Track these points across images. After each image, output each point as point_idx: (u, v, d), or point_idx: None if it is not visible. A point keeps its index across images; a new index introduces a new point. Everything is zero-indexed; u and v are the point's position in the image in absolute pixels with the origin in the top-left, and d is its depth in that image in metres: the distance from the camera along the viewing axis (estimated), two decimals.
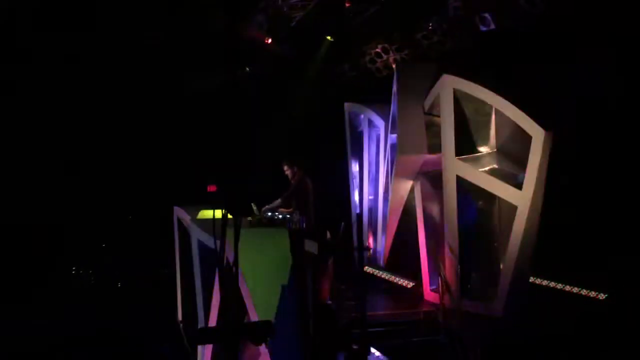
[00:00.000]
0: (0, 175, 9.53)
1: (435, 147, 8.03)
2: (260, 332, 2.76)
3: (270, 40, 10.12)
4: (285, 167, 8.13)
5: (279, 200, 7.78)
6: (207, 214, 5.96)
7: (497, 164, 7.34)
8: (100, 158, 10.43)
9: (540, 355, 5.74)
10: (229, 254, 3.99)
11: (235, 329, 2.76)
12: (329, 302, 5.92)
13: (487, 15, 7.74)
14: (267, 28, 9.85)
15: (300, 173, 7.94)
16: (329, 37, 10.16)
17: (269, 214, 6.99)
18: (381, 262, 9.47)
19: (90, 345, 6.85)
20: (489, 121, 7.40)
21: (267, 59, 10.82)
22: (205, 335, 3.16)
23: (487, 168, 7.33)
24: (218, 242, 2.94)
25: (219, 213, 3.03)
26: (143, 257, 9.84)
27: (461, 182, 7.37)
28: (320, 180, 8.51)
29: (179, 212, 7.09)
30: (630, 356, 5.48)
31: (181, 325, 6.71)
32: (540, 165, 6.58)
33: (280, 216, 7.05)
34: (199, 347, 5.72)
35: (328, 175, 10.15)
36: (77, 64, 9.60)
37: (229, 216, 3.09)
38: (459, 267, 7.34)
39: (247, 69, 11.23)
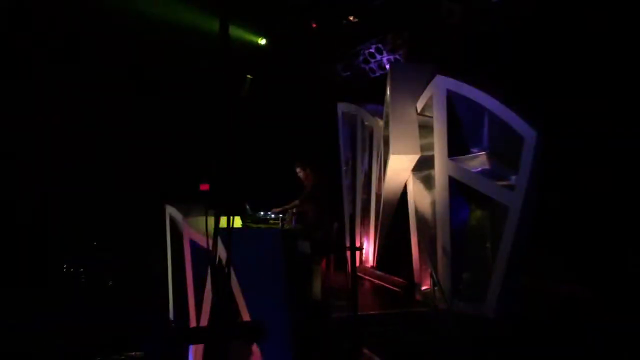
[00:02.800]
0: None
1: (427, 147, 8.05)
2: (253, 331, 2.75)
3: (264, 42, 10.19)
4: (299, 169, 8.17)
5: (296, 201, 7.82)
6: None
7: (489, 165, 7.37)
8: (92, 155, 10.40)
9: (532, 354, 5.76)
10: (222, 254, 3.97)
11: (227, 329, 2.76)
12: (321, 302, 5.93)
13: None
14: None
15: (315, 174, 7.97)
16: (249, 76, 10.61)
17: (273, 215, 7.01)
18: (373, 262, 9.49)
19: (81, 343, 6.81)
20: (481, 122, 7.41)
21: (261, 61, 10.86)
22: (197, 335, 3.16)
23: (479, 169, 7.35)
24: (210, 241, 2.92)
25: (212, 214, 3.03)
26: (134, 256, 9.81)
27: (453, 183, 7.40)
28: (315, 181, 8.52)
29: (171, 210, 7.07)
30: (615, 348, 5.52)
31: (172, 324, 6.69)
32: (532, 166, 6.60)
33: (273, 216, 7.06)
34: (191, 347, 5.70)
35: (321, 176, 10.16)
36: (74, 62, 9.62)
37: (222, 216, 3.08)
38: (450, 267, 7.37)
39: (249, 76, 11.22)
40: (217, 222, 2.82)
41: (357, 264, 8.87)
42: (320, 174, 8.11)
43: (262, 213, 7.22)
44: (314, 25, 9.62)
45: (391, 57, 9.70)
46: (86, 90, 10.12)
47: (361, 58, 10.18)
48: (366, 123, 9.77)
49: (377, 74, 10.10)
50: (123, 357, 6.34)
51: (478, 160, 7.45)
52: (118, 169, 10.64)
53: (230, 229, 3.01)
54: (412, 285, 8.16)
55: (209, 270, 5.11)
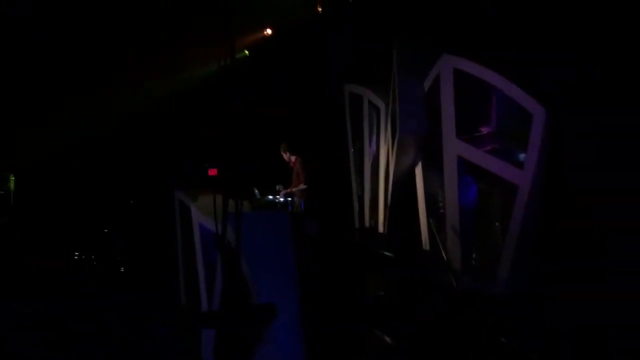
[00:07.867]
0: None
1: (435, 127, 8.00)
2: (264, 314, 2.77)
3: (270, 32, 10.24)
4: (283, 152, 8.26)
5: (303, 186, 7.94)
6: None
7: (498, 144, 7.32)
8: (101, 142, 10.43)
9: (540, 331, 5.77)
10: (231, 238, 3.99)
11: (238, 312, 2.77)
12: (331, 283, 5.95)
13: None
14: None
15: (300, 157, 8.06)
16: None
17: (282, 199, 7.07)
18: (382, 243, 9.48)
19: (93, 329, 6.88)
20: (489, 101, 7.36)
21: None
22: (209, 319, 3.18)
23: (488, 148, 7.31)
24: (219, 226, 2.93)
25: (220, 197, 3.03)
26: (145, 242, 9.86)
27: (462, 162, 7.36)
28: (321, 163, 8.56)
29: (180, 196, 7.08)
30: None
31: (185, 309, 6.74)
32: (542, 144, 6.55)
33: (282, 199, 7.08)
34: (203, 331, 5.75)
35: (329, 157, 10.14)
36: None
37: (230, 200, 3.08)
38: (460, 247, 7.36)
39: (246, 52, 11.23)
40: (225, 205, 2.83)
41: (367, 244, 8.90)
42: (305, 156, 8.25)
43: (270, 197, 7.24)
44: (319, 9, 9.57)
45: None
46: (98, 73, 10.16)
47: None
48: (373, 104, 9.72)
49: None
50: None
51: (487, 139, 7.41)
52: (126, 155, 10.68)
53: (239, 212, 3.01)
54: (423, 265, 8.16)
55: (218, 255, 5.14)
